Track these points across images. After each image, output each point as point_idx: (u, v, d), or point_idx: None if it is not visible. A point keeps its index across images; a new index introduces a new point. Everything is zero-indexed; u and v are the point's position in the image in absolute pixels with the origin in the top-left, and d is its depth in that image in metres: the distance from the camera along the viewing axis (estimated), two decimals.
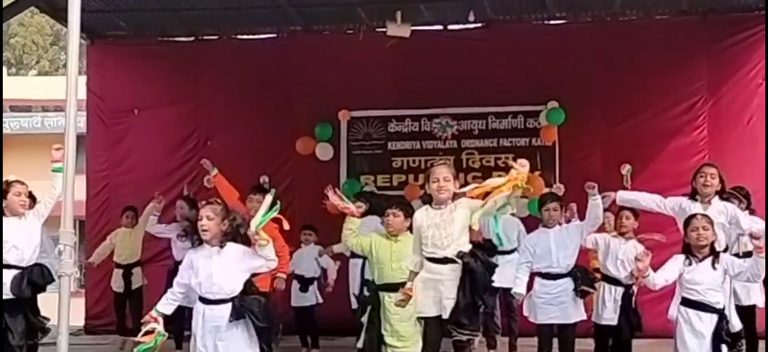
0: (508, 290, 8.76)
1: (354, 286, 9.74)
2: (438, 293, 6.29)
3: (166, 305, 6.20)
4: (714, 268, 6.46)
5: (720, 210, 7.57)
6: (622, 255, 8.36)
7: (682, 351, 6.55)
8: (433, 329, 6.44)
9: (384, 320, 7.12)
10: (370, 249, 7.29)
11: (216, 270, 5.90)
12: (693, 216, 6.74)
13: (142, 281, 10.82)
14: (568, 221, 8.62)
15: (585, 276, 7.99)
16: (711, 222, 6.62)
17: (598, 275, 8.50)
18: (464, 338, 6.25)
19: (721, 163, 11.38)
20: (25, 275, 7.30)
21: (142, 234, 10.69)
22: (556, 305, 7.84)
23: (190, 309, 6.40)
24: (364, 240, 7.43)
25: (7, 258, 7.24)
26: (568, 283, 7.89)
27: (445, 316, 6.26)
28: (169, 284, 9.75)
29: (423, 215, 6.46)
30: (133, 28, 13.17)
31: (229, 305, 5.86)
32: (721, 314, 6.46)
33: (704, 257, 6.51)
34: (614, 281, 8.40)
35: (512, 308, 9.67)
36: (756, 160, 11.38)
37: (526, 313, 8.33)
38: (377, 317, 7.17)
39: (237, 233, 5.97)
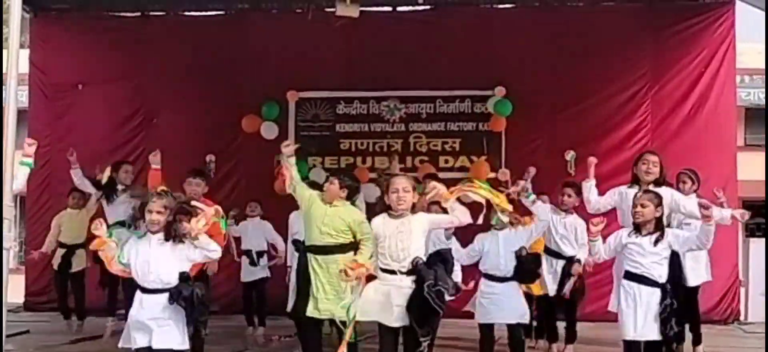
0: None
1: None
2: (387, 298, 6.17)
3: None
4: (654, 245, 6.53)
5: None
6: (563, 230, 8.64)
7: (625, 327, 6.55)
8: (387, 337, 6.37)
9: (314, 282, 7.08)
10: (308, 202, 7.24)
11: (153, 258, 5.87)
12: (635, 194, 6.81)
13: (86, 264, 10.57)
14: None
15: (527, 261, 7.98)
16: (652, 200, 6.66)
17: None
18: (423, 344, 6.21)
19: (663, 151, 11.59)
20: None
21: (90, 215, 9.96)
22: (498, 305, 7.62)
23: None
24: (305, 191, 7.35)
25: None
26: (512, 285, 7.68)
27: (393, 323, 6.15)
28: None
29: (381, 222, 6.38)
30: (78, 2, 12.99)
31: (166, 295, 5.82)
32: (663, 288, 6.50)
33: (648, 233, 6.58)
34: (555, 254, 8.58)
35: None
36: (697, 149, 11.63)
37: (469, 307, 8.24)
38: (306, 280, 7.13)
39: (174, 229, 5.91)
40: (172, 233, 5.87)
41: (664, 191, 7.54)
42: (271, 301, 10.61)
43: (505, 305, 7.57)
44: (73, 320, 10.62)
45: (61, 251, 10.54)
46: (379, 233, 6.33)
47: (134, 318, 5.94)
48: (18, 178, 6.75)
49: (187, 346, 5.92)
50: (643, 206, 6.58)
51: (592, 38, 12.05)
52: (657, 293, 6.48)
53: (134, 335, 5.96)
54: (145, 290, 5.91)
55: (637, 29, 12.13)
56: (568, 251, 8.62)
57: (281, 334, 10.02)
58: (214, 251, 5.97)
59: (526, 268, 7.68)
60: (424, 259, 6.20)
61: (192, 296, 5.82)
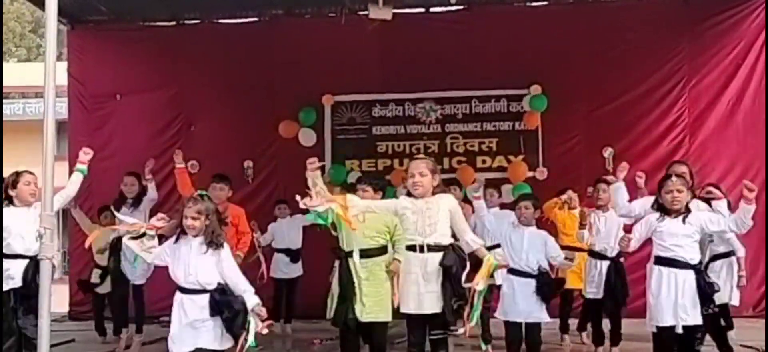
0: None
1: None
2: (417, 287, 6.31)
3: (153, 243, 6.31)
4: (683, 223, 6.48)
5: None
6: (603, 228, 8.49)
7: (661, 313, 6.49)
8: (415, 327, 6.46)
9: (356, 287, 7.07)
10: (336, 219, 7.20)
11: (192, 261, 6.05)
12: (668, 178, 6.68)
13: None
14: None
15: (549, 282, 7.83)
16: (685, 184, 6.62)
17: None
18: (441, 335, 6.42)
19: (701, 145, 11.62)
20: (31, 266, 7.15)
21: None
22: (521, 303, 7.58)
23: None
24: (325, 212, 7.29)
25: (14, 247, 7.18)
26: (534, 282, 7.63)
27: (423, 311, 6.33)
28: None
29: (409, 201, 6.45)
30: (114, 13, 13.08)
31: (207, 296, 5.99)
32: (696, 270, 6.46)
33: (677, 215, 6.54)
34: (598, 255, 8.49)
35: (487, 300, 9.55)
36: (735, 143, 11.54)
37: (498, 314, 8.16)
38: (350, 284, 7.12)
39: (212, 235, 6.09)
40: (211, 240, 6.05)
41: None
42: (303, 302, 10.73)
43: (527, 302, 7.55)
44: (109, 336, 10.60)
45: (97, 272, 10.51)
46: (408, 210, 6.35)
47: (175, 323, 6.10)
48: (73, 183, 7.70)
49: (223, 346, 6.07)
50: (679, 191, 6.53)
51: (627, 33, 11.98)
52: (691, 275, 6.43)
53: (178, 341, 6.09)
54: (184, 291, 6.08)
55: (672, 23, 12.01)
56: (611, 251, 8.48)
57: (322, 337, 10.04)
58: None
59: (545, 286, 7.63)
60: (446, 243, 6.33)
61: (229, 306, 5.98)
